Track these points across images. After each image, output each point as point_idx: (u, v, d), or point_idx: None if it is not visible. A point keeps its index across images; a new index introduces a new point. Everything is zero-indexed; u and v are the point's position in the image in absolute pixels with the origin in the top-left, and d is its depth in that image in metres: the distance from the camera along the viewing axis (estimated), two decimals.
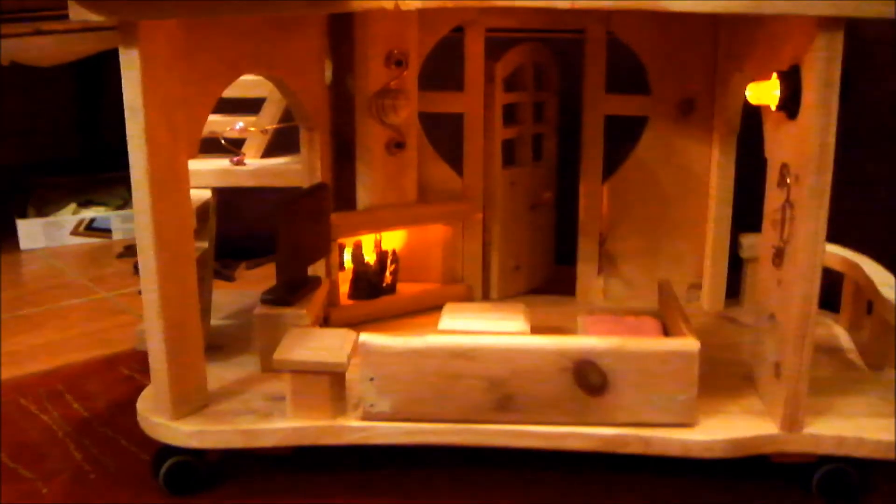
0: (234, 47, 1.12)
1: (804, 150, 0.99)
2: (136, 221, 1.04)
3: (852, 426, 1.08)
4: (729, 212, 1.39)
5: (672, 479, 1.13)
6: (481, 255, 1.45)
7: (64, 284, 1.83)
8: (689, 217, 1.42)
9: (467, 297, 1.44)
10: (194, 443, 1.08)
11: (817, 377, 1.19)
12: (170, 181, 1.05)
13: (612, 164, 1.44)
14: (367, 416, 1.08)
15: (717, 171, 1.38)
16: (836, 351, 1.29)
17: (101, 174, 2.26)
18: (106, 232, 2.10)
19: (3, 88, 2.21)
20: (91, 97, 2.46)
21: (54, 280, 1.86)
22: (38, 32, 1.74)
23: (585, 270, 1.46)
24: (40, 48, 1.77)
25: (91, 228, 2.09)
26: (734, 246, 1.41)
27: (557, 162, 1.52)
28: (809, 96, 0.98)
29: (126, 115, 1.01)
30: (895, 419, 1.08)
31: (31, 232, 2.04)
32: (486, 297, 1.47)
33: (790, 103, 1.01)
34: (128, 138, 1.02)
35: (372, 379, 1.07)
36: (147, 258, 1.05)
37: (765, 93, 1.05)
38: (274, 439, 1.08)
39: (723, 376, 1.20)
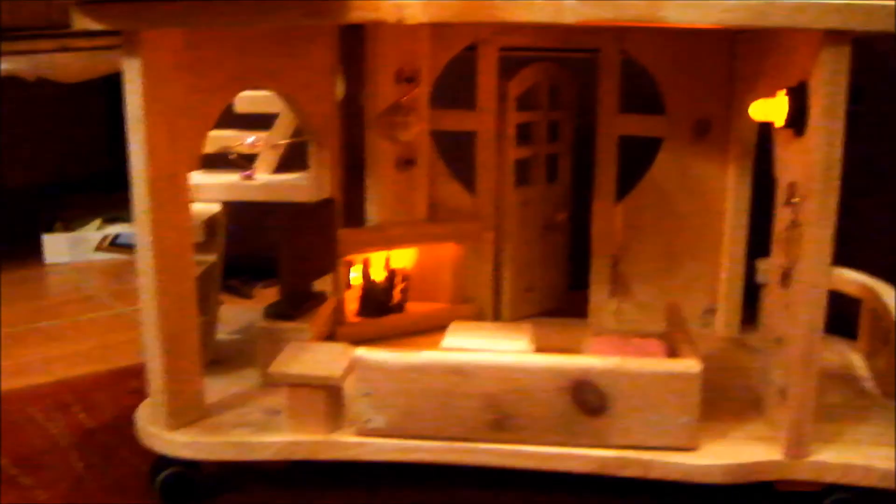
0: (239, 60, 1.13)
1: (810, 167, 0.96)
2: (135, 231, 1.05)
3: (860, 454, 1.04)
4: (744, 235, 1.37)
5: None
6: (492, 275, 1.44)
7: (84, 298, 1.85)
8: (704, 240, 1.39)
9: (477, 318, 1.42)
10: (188, 453, 1.07)
11: (828, 404, 1.17)
12: (170, 191, 1.05)
13: (630, 186, 1.42)
14: (363, 432, 1.07)
15: (732, 193, 1.36)
16: (850, 379, 1.26)
17: (129, 191, 2.28)
18: (130, 248, 2.12)
19: (33, 106, 2.25)
20: (120, 115, 2.49)
21: (75, 294, 1.88)
22: (65, 49, 1.77)
23: (598, 292, 1.44)
24: (66, 64, 1.80)
25: (115, 244, 2.11)
26: (752, 270, 1.39)
27: (573, 183, 1.51)
28: (815, 112, 0.96)
29: (128, 124, 1.02)
30: None
31: (55, 246, 2.07)
32: (497, 318, 1.45)
33: (797, 120, 0.99)
34: (129, 147, 1.03)
35: (368, 394, 1.06)
36: (146, 268, 1.05)
37: (772, 110, 1.03)
38: (268, 453, 1.07)
39: (731, 401, 1.17)
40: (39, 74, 1.80)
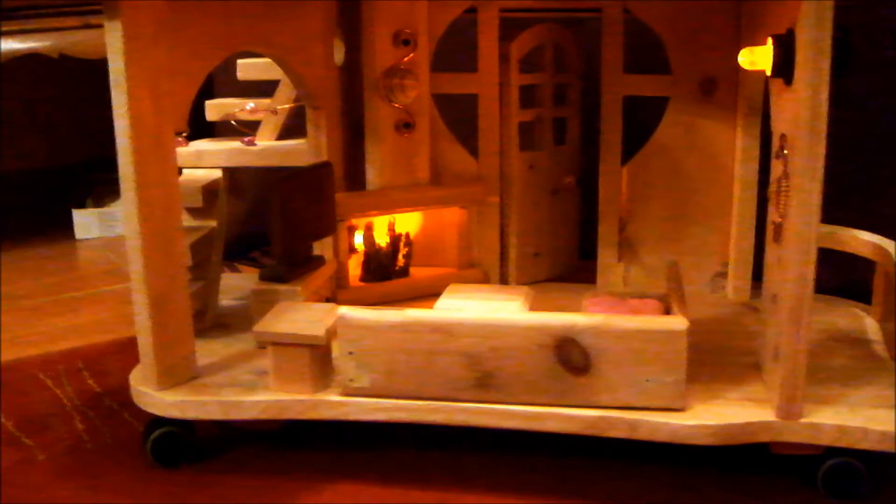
0: (225, 23, 1.13)
1: (797, 117, 0.93)
2: (121, 192, 1.06)
3: (858, 416, 1.00)
4: (754, 196, 1.33)
5: (672, 469, 1.08)
6: (499, 240, 1.42)
7: (108, 272, 1.88)
8: (712, 201, 1.36)
9: (483, 283, 1.40)
10: (176, 413, 1.08)
11: (832, 366, 1.14)
12: (155, 152, 1.05)
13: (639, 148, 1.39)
14: (347, 392, 1.06)
15: (740, 153, 1.32)
16: (860, 341, 1.21)
17: None
18: None
19: (62, 84, 2.29)
20: None
21: (100, 268, 1.92)
22: (87, 26, 1.79)
23: (606, 256, 1.41)
24: (90, 41, 1.82)
25: None
26: (762, 233, 1.35)
27: (582, 146, 1.48)
28: (800, 59, 0.92)
29: (111, 86, 1.03)
30: None
31: (85, 222, 2.11)
32: (504, 283, 1.44)
33: (784, 68, 0.96)
34: (113, 109, 1.03)
35: (351, 353, 1.05)
36: (132, 229, 1.06)
37: (760, 57, 1.00)
38: (253, 412, 1.07)
39: (731, 364, 1.15)
40: (63, 51, 1.82)
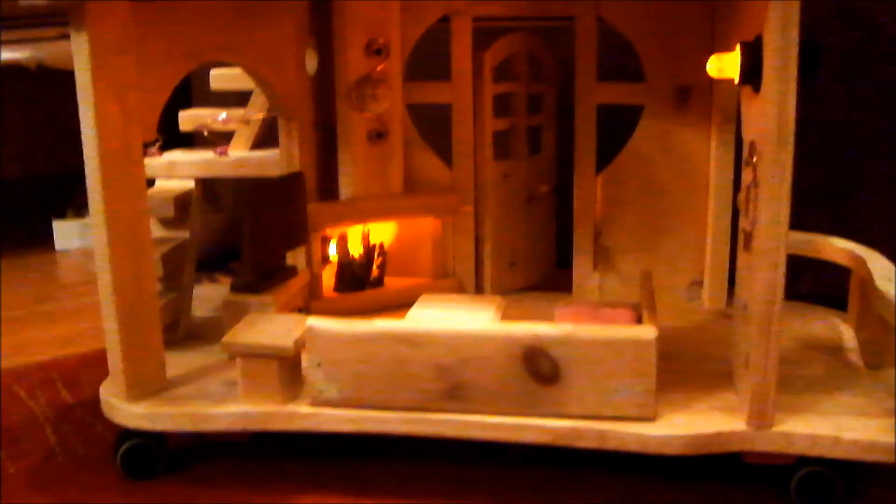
0: (193, 34, 1.12)
1: (765, 124, 0.93)
2: (89, 202, 1.05)
3: (830, 425, 1.00)
4: (729, 204, 1.32)
5: (643, 480, 1.07)
6: (474, 249, 1.42)
7: (87, 283, 1.87)
8: (687, 210, 1.35)
9: (458, 292, 1.40)
10: (145, 424, 1.07)
11: (807, 375, 1.13)
12: (123, 162, 1.05)
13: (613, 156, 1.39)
14: (316, 403, 1.06)
15: (715, 161, 1.32)
16: (835, 349, 1.21)
17: None
18: None
19: (42, 94, 2.28)
20: None
21: (80, 279, 1.91)
22: (65, 37, 1.78)
23: (581, 265, 1.41)
24: (68, 52, 1.81)
25: None
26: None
27: (557, 155, 1.48)
28: (767, 66, 0.92)
29: (78, 96, 1.02)
30: (892, 419, 1.00)
31: (65, 233, 2.10)
32: (479, 293, 1.43)
33: (752, 75, 0.96)
34: (80, 119, 1.03)
35: (319, 364, 1.04)
36: (100, 239, 1.05)
37: (729, 66, 1.00)
38: (223, 423, 1.06)
39: (703, 372, 1.14)
40: (41, 62, 1.82)
